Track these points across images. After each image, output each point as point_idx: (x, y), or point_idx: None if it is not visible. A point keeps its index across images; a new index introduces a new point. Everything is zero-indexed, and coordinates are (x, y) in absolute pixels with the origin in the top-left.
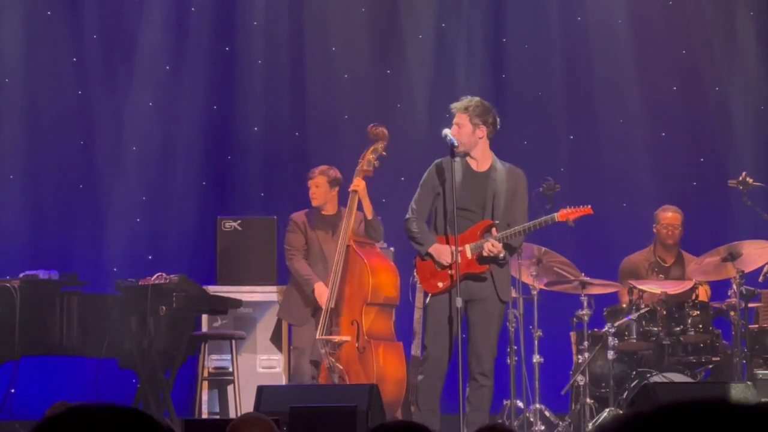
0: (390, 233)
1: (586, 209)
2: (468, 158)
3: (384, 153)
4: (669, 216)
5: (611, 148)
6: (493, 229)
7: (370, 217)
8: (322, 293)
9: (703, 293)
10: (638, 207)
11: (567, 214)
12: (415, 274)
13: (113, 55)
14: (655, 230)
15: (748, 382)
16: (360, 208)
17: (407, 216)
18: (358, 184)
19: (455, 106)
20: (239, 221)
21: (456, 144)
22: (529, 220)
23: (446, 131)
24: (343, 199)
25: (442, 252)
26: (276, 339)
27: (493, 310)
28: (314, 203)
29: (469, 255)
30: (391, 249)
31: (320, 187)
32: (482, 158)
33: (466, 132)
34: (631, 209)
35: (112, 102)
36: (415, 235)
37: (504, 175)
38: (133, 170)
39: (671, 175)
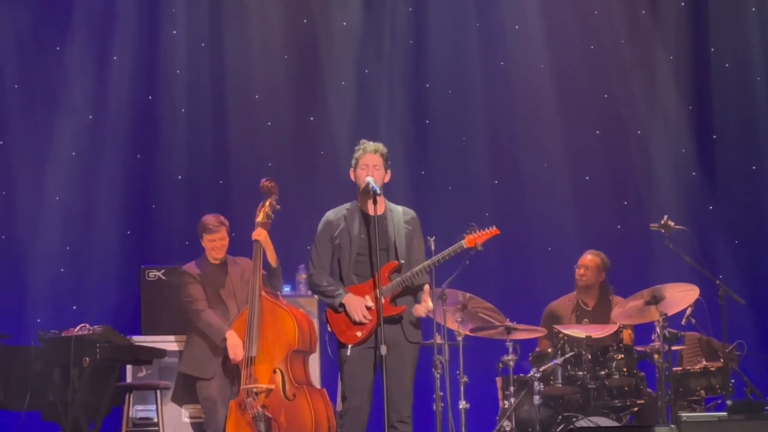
0: None
1: (493, 231)
2: (363, 204)
3: (278, 206)
4: (584, 257)
5: (535, 192)
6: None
7: (274, 265)
8: (237, 344)
9: (627, 337)
10: (563, 251)
11: (474, 239)
12: (329, 328)
13: (35, 105)
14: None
15: (672, 426)
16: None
17: (310, 272)
18: (260, 233)
19: (368, 147)
20: (163, 270)
21: (379, 192)
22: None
23: (369, 179)
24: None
25: (354, 307)
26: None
27: (407, 354)
28: (220, 255)
29: (382, 299)
30: (315, 297)
31: (225, 240)
32: (379, 202)
33: (380, 175)
34: (556, 253)
35: (35, 152)
36: (324, 289)
37: (400, 216)
38: (56, 220)
39: (595, 218)
